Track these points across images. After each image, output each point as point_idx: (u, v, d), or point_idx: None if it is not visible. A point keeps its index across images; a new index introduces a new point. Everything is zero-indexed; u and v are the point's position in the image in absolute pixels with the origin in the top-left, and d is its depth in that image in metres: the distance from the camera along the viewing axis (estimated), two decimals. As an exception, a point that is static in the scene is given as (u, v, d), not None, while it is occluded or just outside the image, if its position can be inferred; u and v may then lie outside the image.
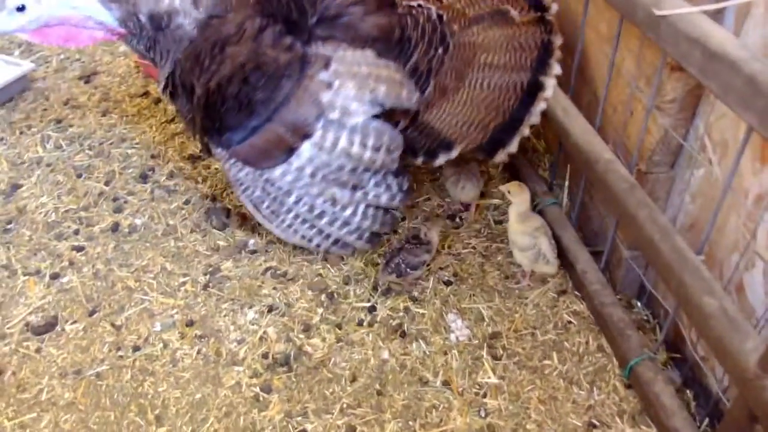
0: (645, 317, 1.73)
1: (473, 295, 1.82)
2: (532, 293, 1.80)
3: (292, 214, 1.81)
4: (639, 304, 1.75)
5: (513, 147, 1.74)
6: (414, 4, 1.81)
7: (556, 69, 1.69)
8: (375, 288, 1.86)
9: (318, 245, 1.87)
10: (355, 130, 1.72)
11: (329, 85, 1.69)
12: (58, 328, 1.84)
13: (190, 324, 1.81)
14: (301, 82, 1.69)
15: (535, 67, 1.70)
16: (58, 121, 2.60)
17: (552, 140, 2.12)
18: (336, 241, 1.87)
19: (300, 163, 1.74)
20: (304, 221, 1.82)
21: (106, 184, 2.27)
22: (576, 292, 1.79)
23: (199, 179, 2.26)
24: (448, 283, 1.86)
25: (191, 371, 1.70)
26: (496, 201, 2.11)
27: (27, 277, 1.98)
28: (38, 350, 1.79)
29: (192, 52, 1.73)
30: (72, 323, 1.84)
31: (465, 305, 1.80)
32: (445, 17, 1.78)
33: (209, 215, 2.10)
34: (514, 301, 1.79)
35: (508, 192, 1.79)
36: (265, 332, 1.77)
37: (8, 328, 1.85)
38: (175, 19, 1.74)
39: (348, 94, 1.70)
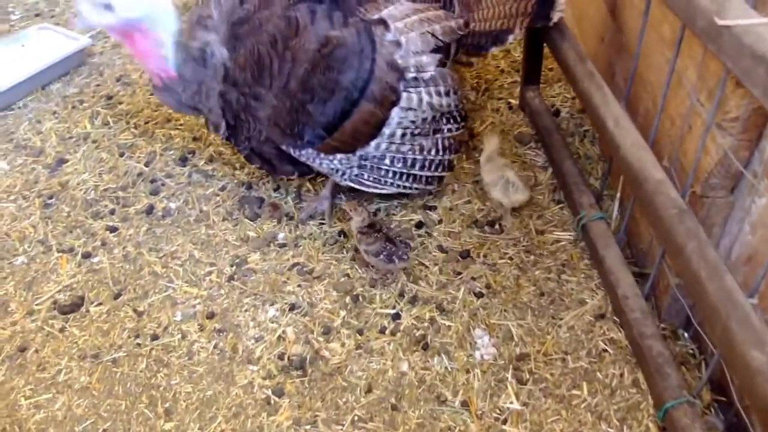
0: (690, 351, 1.58)
1: (504, 310, 1.71)
2: (567, 314, 1.68)
3: (390, 174, 1.88)
4: (686, 335, 1.60)
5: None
6: None
7: None
8: (402, 294, 1.77)
9: (417, 188, 1.94)
10: (430, 81, 1.78)
11: (398, 44, 1.72)
12: (83, 308, 1.84)
13: (210, 316, 1.77)
14: (375, 51, 1.69)
15: None
16: (109, 98, 2.61)
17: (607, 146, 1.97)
18: (429, 181, 1.94)
19: (390, 129, 1.80)
20: (401, 175, 1.89)
21: (146, 164, 2.26)
22: (615, 318, 1.65)
23: (237, 165, 2.21)
24: (479, 295, 1.75)
25: (205, 366, 1.66)
26: (541, 205, 1.98)
27: (60, 254, 1.99)
28: (62, 329, 1.79)
29: (248, 62, 1.69)
30: (97, 305, 1.84)
31: (494, 321, 1.69)
32: None
33: (242, 204, 2.06)
34: (547, 322, 1.67)
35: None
36: (284, 331, 1.72)
37: (37, 305, 1.86)
38: (210, 49, 1.71)
39: (416, 47, 1.74)
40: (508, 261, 1.83)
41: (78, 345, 1.75)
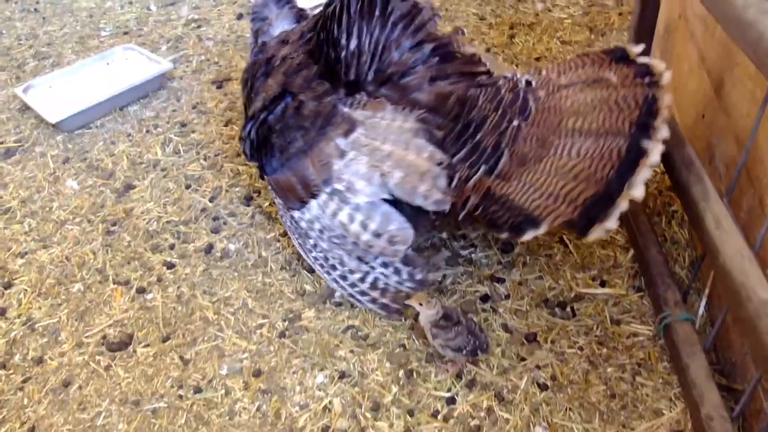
0: (781, 487, 1.40)
1: (570, 409, 1.56)
2: (640, 425, 1.52)
3: (312, 255, 1.79)
4: (776, 466, 1.42)
5: (611, 223, 1.43)
6: (508, 74, 1.62)
7: (663, 132, 1.41)
8: (459, 375, 1.65)
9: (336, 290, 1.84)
10: (358, 209, 1.61)
11: (342, 155, 1.61)
12: (131, 348, 1.79)
13: (257, 374, 1.69)
14: (316, 142, 1.62)
15: (634, 130, 1.43)
16: (183, 125, 2.60)
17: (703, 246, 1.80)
18: (351, 294, 1.78)
19: (310, 216, 1.70)
20: (322, 266, 1.78)
21: (211, 200, 2.22)
22: (695, 438, 1.48)
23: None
24: (543, 387, 1.61)
25: (246, 430, 1.58)
26: (618, 291, 1.83)
27: (116, 286, 1.97)
28: (107, 368, 1.75)
29: (247, 72, 1.89)
30: (145, 346, 1.79)
31: (558, 420, 1.54)
32: (534, 82, 1.58)
33: (302, 254, 1.99)
34: (617, 430, 1.51)
35: None
36: (330, 402, 1.62)
37: (86, 337, 1.84)
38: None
39: (357, 170, 1.60)
40: (578, 351, 1.69)
41: (121, 387, 1.70)
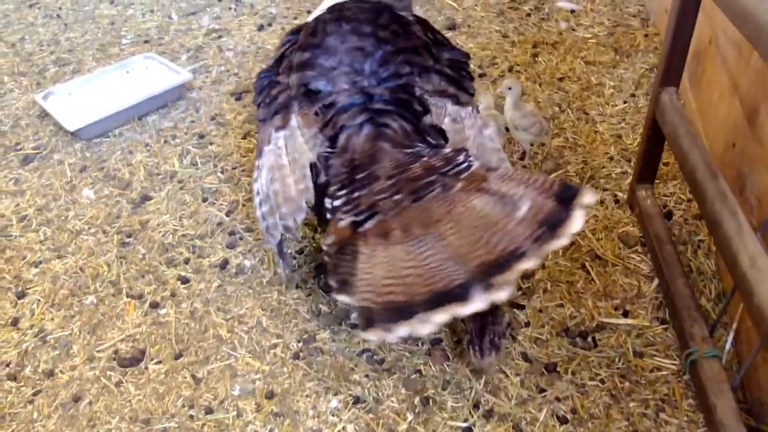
0: None
1: (590, 445, 1.52)
2: (663, 464, 1.47)
3: None
4: None
5: (384, 334, 1.30)
6: (457, 154, 1.58)
7: (500, 293, 1.25)
8: (476, 405, 1.60)
9: None
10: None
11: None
12: (143, 364, 1.77)
13: (270, 396, 1.66)
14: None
15: (478, 273, 1.28)
16: (201, 136, 2.58)
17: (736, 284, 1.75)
18: None
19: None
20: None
21: (227, 214, 2.20)
22: (722, 482, 1.43)
23: (318, 228, 2.12)
24: (563, 420, 1.56)
25: (256, 454, 1.55)
26: (642, 323, 1.78)
27: (129, 300, 1.94)
28: (118, 384, 1.72)
29: None
30: (157, 362, 1.76)
31: (578, 456, 1.50)
32: (464, 173, 1.50)
33: (318, 272, 1.96)
34: (639, 469, 1.47)
35: (509, 89, 2.19)
36: (344, 428, 1.58)
37: (98, 351, 1.81)
38: None
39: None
40: (599, 384, 1.64)
41: (131, 405, 1.67)
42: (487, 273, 1.27)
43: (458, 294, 1.27)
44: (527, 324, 1.79)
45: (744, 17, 1.29)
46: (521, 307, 1.82)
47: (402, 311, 1.29)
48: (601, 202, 2.15)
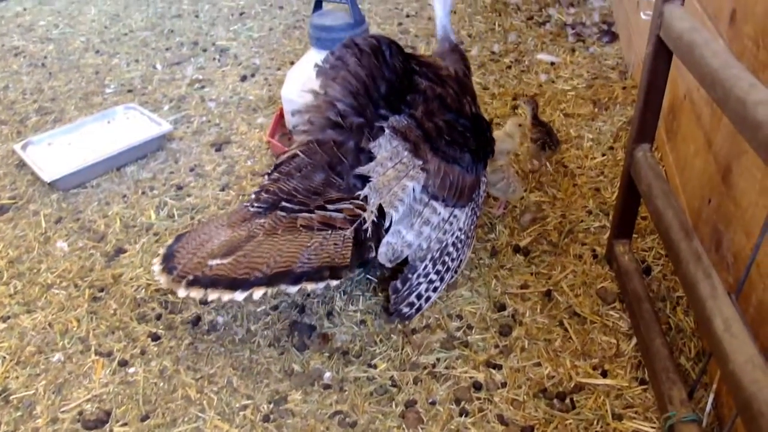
0: None
1: None
2: None
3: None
4: None
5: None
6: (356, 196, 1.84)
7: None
8: (450, 471, 1.55)
9: None
10: None
11: None
12: (107, 427, 1.70)
13: (237, 461, 1.60)
14: None
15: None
16: (179, 188, 2.56)
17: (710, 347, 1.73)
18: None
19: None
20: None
21: (202, 268, 2.16)
22: None
23: (294, 283, 2.08)
24: (539, 488, 1.51)
25: None
26: (621, 383, 1.74)
27: (98, 357, 1.89)
28: (81, 448, 1.66)
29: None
30: (122, 425, 1.70)
31: None
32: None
33: (291, 330, 1.92)
34: None
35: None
36: (313, 496, 1.52)
37: (62, 412, 1.75)
38: None
39: None
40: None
41: (93, 471, 1.61)
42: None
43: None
44: (504, 384, 1.75)
45: (712, 82, 1.30)
46: (498, 367, 1.78)
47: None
48: (580, 257, 2.13)
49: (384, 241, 1.82)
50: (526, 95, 3.00)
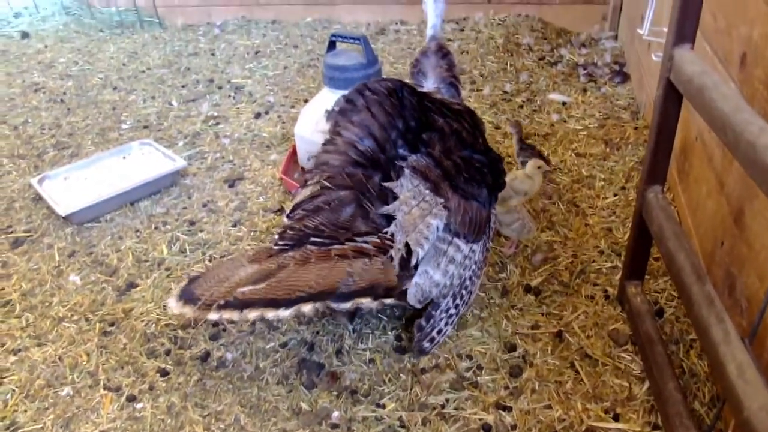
0: None
1: None
2: None
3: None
4: None
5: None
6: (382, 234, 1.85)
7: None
8: None
9: None
10: None
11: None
12: (114, 464, 1.70)
13: (242, 502, 1.58)
14: None
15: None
16: (192, 223, 2.58)
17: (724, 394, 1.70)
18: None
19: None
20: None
21: (213, 304, 2.16)
22: None
23: (303, 320, 2.08)
24: None
25: None
26: (633, 427, 1.71)
27: (106, 392, 1.88)
28: (87, 485, 1.65)
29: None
30: (128, 462, 1.69)
31: None
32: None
33: (300, 367, 1.91)
34: None
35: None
36: None
37: (69, 449, 1.74)
38: None
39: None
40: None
41: None
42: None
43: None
44: (513, 427, 1.72)
45: (722, 126, 1.31)
46: (508, 409, 1.76)
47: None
48: (592, 297, 2.12)
49: (413, 282, 1.82)
50: (537, 134, 3.02)
